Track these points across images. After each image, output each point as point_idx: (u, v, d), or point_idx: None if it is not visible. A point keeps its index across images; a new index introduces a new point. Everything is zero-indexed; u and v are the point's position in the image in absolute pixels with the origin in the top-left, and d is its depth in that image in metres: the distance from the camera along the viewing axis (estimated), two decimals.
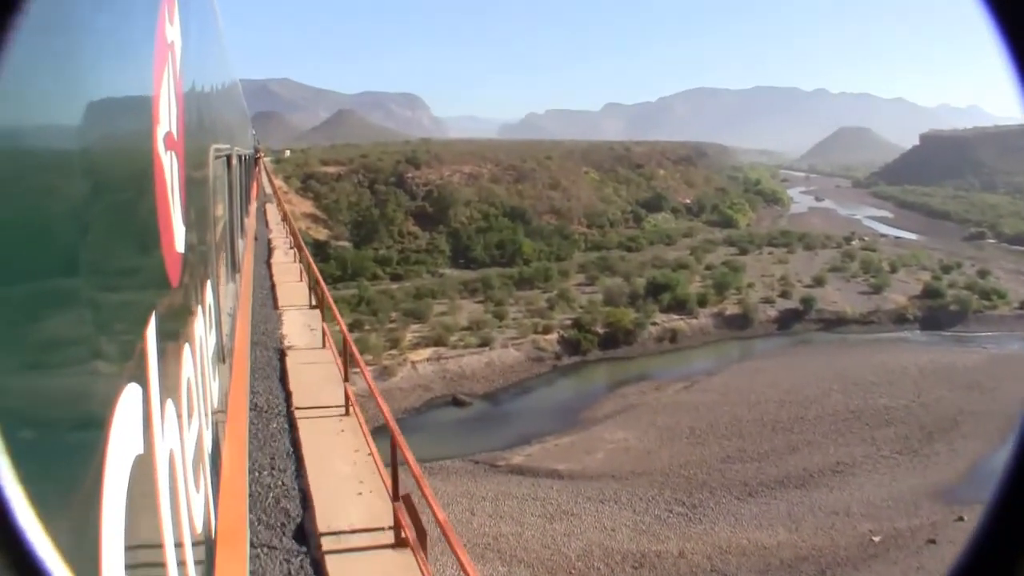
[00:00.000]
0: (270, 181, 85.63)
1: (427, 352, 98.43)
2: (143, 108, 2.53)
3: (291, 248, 35.51)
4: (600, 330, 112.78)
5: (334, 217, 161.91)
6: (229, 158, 10.04)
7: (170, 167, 3.01)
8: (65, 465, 1.36)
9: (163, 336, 2.42)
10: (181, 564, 2.72)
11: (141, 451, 1.91)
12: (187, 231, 3.51)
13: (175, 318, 3.16)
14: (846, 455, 74.46)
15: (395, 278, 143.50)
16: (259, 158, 61.69)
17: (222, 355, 6.23)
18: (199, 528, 3.35)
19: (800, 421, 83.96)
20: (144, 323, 2.20)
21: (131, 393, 1.85)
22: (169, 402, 2.58)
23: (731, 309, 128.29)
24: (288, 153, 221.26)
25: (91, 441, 1.47)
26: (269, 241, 38.04)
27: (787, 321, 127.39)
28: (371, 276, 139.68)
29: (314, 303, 24.10)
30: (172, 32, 3.39)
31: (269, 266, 32.59)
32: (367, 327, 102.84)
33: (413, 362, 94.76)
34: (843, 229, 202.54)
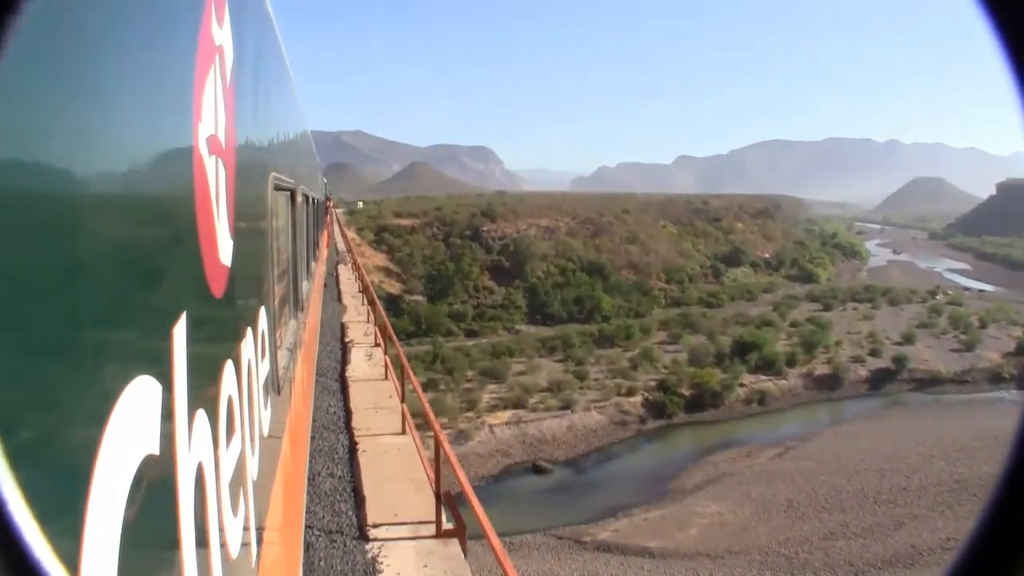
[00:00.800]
0: (342, 233, 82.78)
1: (506, 415, 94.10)
2: (181, 104, 2.54)
3: (367, 321, 32.24)
4: (686, 392, 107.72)
5: (408, 271, 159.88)
6: (293, 194, 9.95)
7: (214, 173, 2.99)
8: (67, 454, 1.37)
9: (197, 342, 2.43)
10: None
11: (156, 452, 1.89)
12: (235, 245, 3.46)
13: (215, 329, 3.13)
14: (956, 530, 67.44)
15: (470, 334, 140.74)
16: (330, 207, 60.68)
17: (277, 386, 6.01)
18: (233, 554, 3.19)
19: (903, 492, 78.06)
20: (171, 321, 2.19)
21: (146, 386, 1.83)
22: (201, 413, 2.56)
23: (820, 369, 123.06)
24: (361, 204, 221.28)
25: (97, 425, 1.47)
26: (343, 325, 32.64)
27: (879, 381, 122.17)
28: (445, 332, 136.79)
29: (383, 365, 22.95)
30: (220, 35, 3.33)
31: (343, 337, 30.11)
32: (442, 387, 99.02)
33: (491, 425, 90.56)
34: (924, 283, 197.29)
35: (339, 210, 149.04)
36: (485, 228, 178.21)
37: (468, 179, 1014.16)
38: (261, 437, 4.64)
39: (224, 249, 3.21)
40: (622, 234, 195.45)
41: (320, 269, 27.47)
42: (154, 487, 1.91)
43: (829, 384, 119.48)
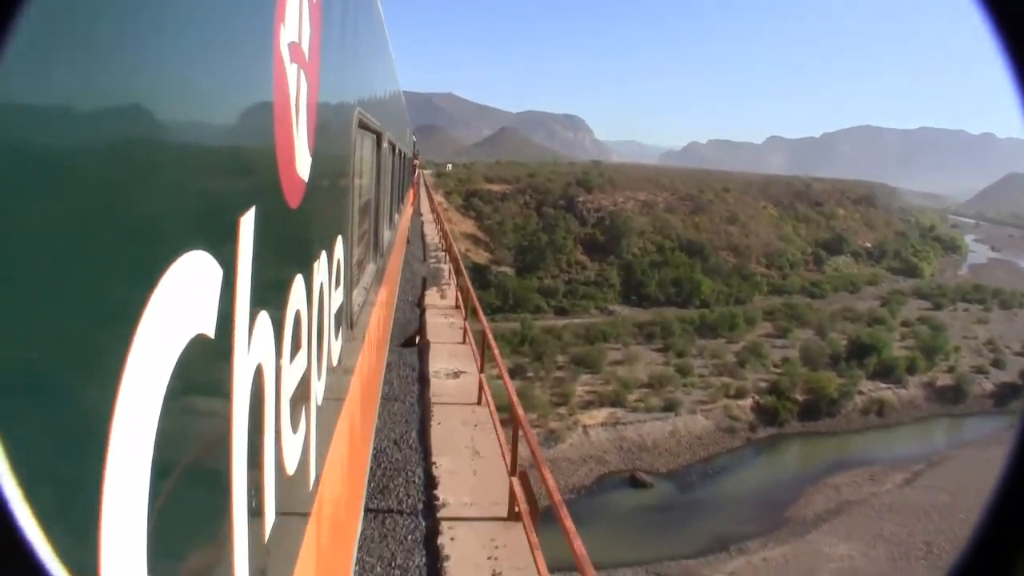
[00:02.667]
0: (429, 197, 73.21)
1: (602, 414, 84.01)
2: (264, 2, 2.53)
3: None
4: (799, 397, 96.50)
5: (497, 240, 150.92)
6: (379, 138, 9.95)
7: (295, 82, 3.01)
8: (112, 312, 1.33)
9: (266, 241, 2.41)
10: (256, 491, 2.51)
11: (211, 333, 1.83)
12: (314, 164, 3.48)
13: (287, 236, 3.11)
14: None
15: (560, 312, 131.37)
16: (416, 164, 57.12)
17: (350, 321, 5.99)
18: (290, 469, 3.16)
19: None
20: (239, 209, 2.16)
21: (204, 263, 1.78)
22: (263, 313, 2.51)
23: (941, 379, 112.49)
24: (450, 167, 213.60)
25: (144, 290, 1.42)
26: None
27: (1005, 397, 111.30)
28: (534, 308, 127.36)
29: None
30: None
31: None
32: (530, 374, 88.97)
33: (585, 426, 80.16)
34: None
35: (427, 171, 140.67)
36: (580, 199, 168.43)
37: (557, 147, 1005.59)
38: (329, 366, 4.60)
39: (302, 162, 3.21)
40: (722, 213, 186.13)
41: (403, 225, 26.67)
42: (203, 371, 1.88)
43: (951, 397, 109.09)
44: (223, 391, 2.08)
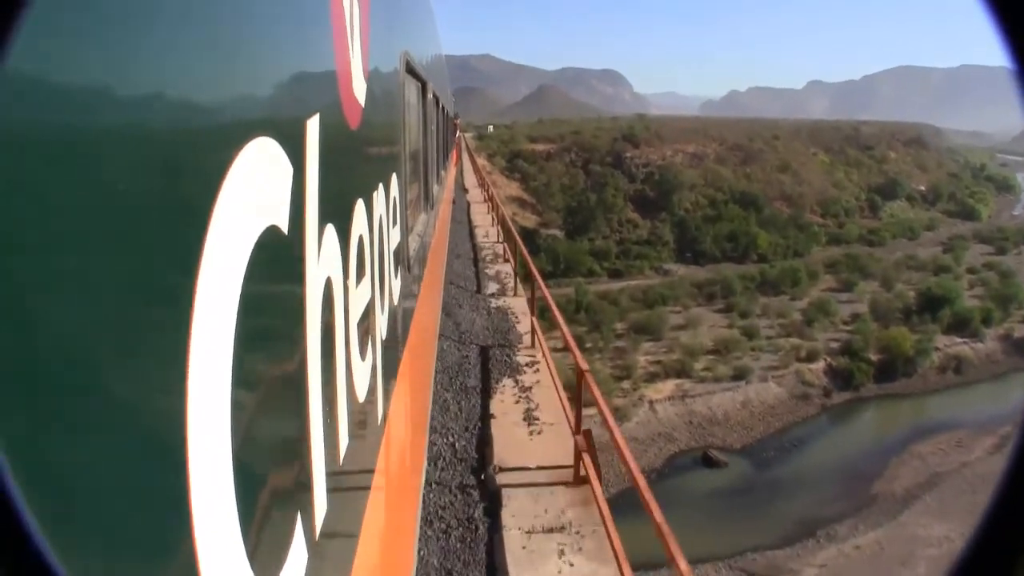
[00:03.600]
0: (471, 160, 68.27)
1: (668, 386, 78.93)
2: None
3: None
4: (873, 356, 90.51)
5: (544, 202, 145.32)
6: (424, 87, 9.85)
7: (348, 7, 3.09)
8: (187, 197, 1.33)
9: (328, 153, 2.42)
10: (330, 418, 2.49)
11: (284, 228, 1.85)
12: (369, 89, 3.55)
13: (347, 153, 3.16)
14: None
15: (614, 274, 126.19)
16: (457, 123, 54.89)
17: (407, 263, 6.07)
18: (360, 397, 3.18)
19: None
20: (306, 114, 2.19)
21: (272, 150, 1.79)
22: (330, 227, 2.53)
23: (1019, 330, 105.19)
24: (491, 128, 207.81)
25: (217, 175, 1.42)
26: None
27: None
28: (587, 272, 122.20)
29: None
30: None
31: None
32: (588, 344, 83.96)
33: (651, 401, 75.02)
34: None
35: (468, 135, 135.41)
36: (628, 154, 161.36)
37: (596, 103, 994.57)
38: (391, 304, 4.64)
39: (359, 85, 3.28)
40: (773, 162, 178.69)
41: (448, 184, 26.14)
42: (278, 262, 1.88)
43: None
44: (297, 294, 2.08)
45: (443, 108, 19.46)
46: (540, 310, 17.30)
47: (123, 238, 1.08)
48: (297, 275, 2.06)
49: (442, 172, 18.22)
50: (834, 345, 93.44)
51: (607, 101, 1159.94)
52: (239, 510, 1.42)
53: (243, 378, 1.46)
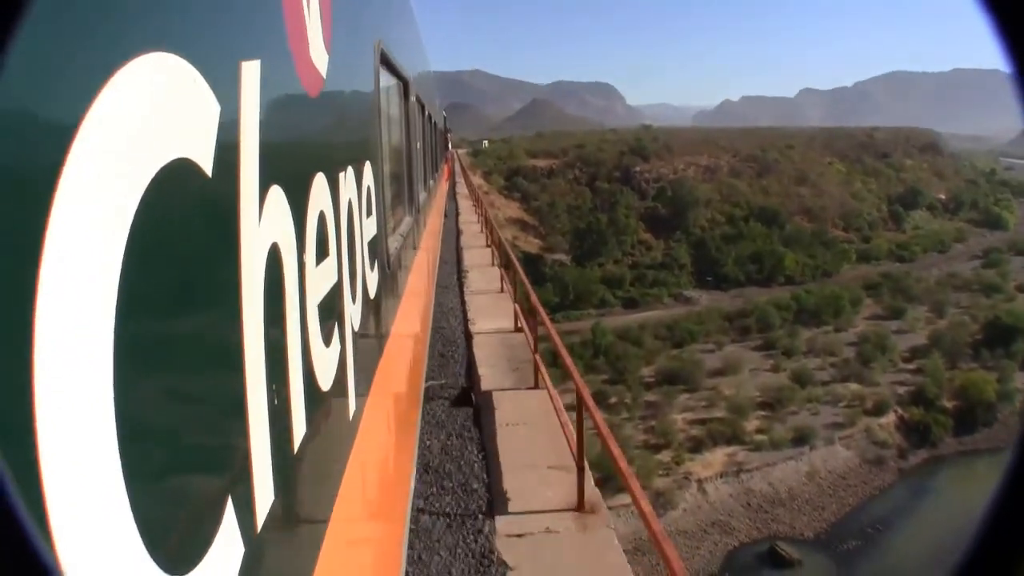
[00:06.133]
0: (465, 178, 57.05)
1: (717, 458, 64.89)
2: None
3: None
4: (947, 403, 76.84)
5: (548, 224, 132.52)
6: (407, 86, 9.25)
7: None
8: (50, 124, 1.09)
9: (277, 109, 2.37)
10: (284, 411, 2.37)
11: (206, 166, 1.66)
12: (331, 62, 3.38)
13: (304, 118, 3.06)
14: None
15: (629, 304, 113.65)
16: (449, 136, 51.09)
17: (386, 260, 5.83)
18: (324, 387, 3.01)
19: None
20: (238, 56, 2.00)
21: (188, 73, 1.58)
22: (277, 190, 2.37)
23: None
24: (487, 144, 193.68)
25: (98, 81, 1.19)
26: None
27: None
28: (598, 303, 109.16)
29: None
30: None
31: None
32: (613, 399, 69.76)
33: (699, 480, 60.81)
34: None
35: (461, 151, 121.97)
36: (637, 168, 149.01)
37: (590, 116, 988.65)
38: (364, 293, 4.46)
39: (317, 54, 3.11)
40: (790, 173, 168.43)
41: (439, 194, 25.87)
42: (190, 203, 1.65)
43: None
44: (226, 250, 1.86)
45: (429, 116, 17.47)
46: (550, 355, 13.52)
47: None
48: (224, 227, 1.83)
49: (430, 181, 17.00)
50: (900, 391, 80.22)
51: (600, 114, 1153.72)
52: (130, 498, 1.21)
53: (134, 345, 1.25)
